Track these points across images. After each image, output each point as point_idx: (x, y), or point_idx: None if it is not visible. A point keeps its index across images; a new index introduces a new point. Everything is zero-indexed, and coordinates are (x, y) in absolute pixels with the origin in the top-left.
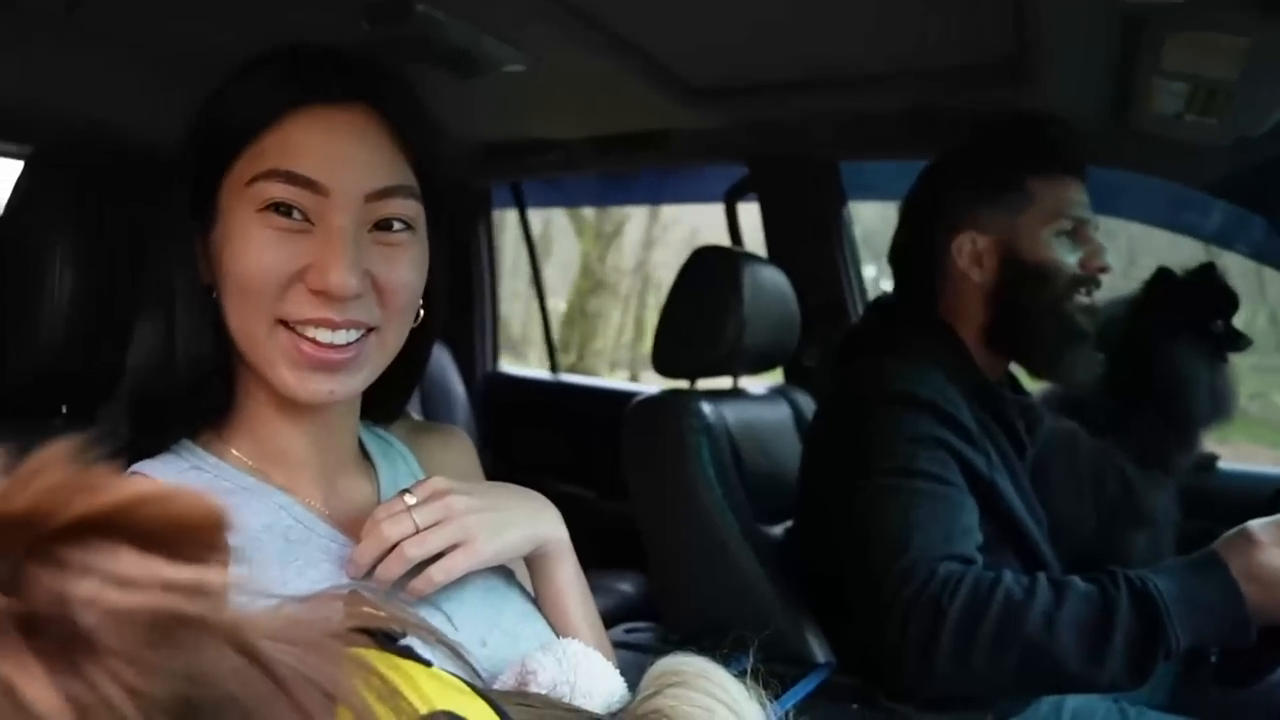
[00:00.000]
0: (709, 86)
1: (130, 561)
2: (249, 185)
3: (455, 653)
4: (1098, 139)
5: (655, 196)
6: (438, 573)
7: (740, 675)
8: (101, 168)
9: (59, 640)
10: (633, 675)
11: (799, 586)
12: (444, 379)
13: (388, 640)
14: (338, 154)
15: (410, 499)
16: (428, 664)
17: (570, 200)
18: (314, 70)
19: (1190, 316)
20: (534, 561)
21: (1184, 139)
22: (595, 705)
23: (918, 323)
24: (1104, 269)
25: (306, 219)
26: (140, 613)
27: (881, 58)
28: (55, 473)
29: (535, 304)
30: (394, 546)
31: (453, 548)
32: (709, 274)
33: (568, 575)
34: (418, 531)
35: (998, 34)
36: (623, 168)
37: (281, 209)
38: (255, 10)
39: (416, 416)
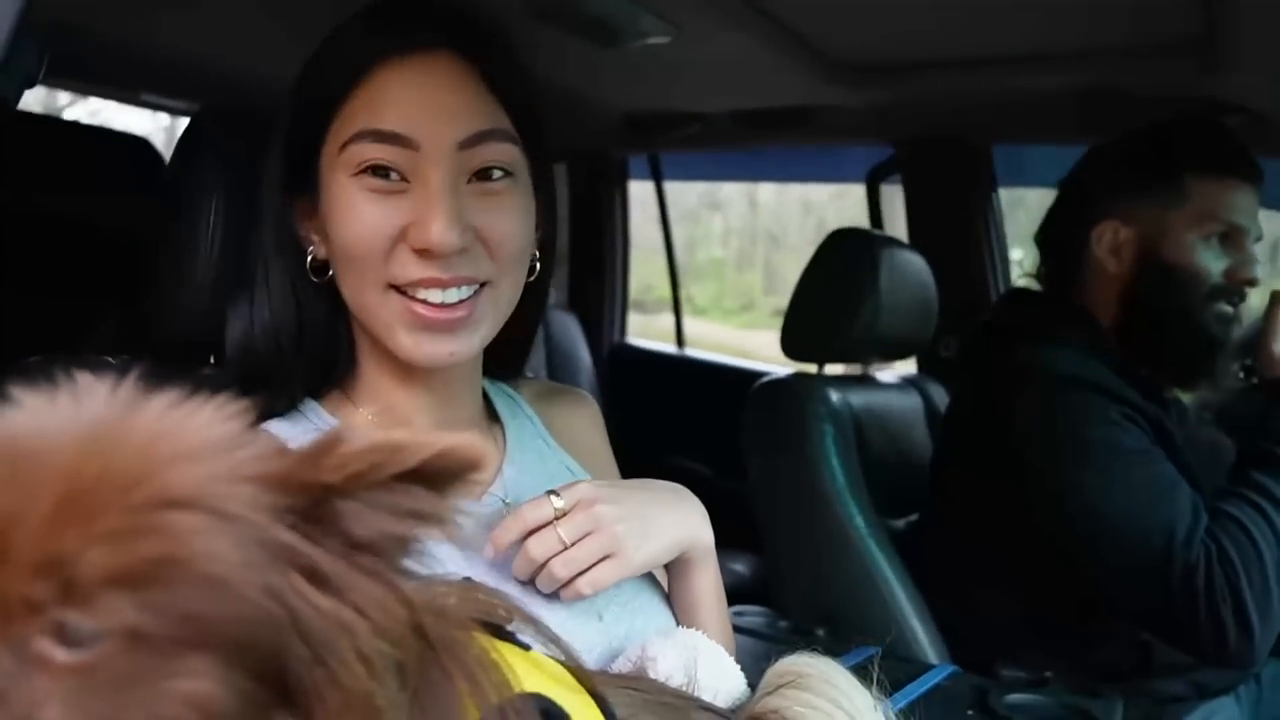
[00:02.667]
0: (856, 63)
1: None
2: (343, 150)
3: (555, 640)
4: None
5: (792, 173)
6: (585, 586)
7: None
8: (261, 125)
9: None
10: (742, 659)
11: (918, 582)
12: (572, 349)
13: (491, 624)
14: (424, 104)
15: (558, 502)
16: (526, 648)
17: (704, 174)
18: (394, 22)
19: None
20: (674, 565)
21: None
22: (717, 702)
23: (1060, 310)
24: (1251, 282)
25: (403, 178)
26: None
27: (1048, 33)
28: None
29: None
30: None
31: (601, 559)
32: (844, 257)
33: (706, 584)
34: (565, 548)
35: (1182, 9)
36: (764, 143)
37: (378, 171)
38: None
39: None
